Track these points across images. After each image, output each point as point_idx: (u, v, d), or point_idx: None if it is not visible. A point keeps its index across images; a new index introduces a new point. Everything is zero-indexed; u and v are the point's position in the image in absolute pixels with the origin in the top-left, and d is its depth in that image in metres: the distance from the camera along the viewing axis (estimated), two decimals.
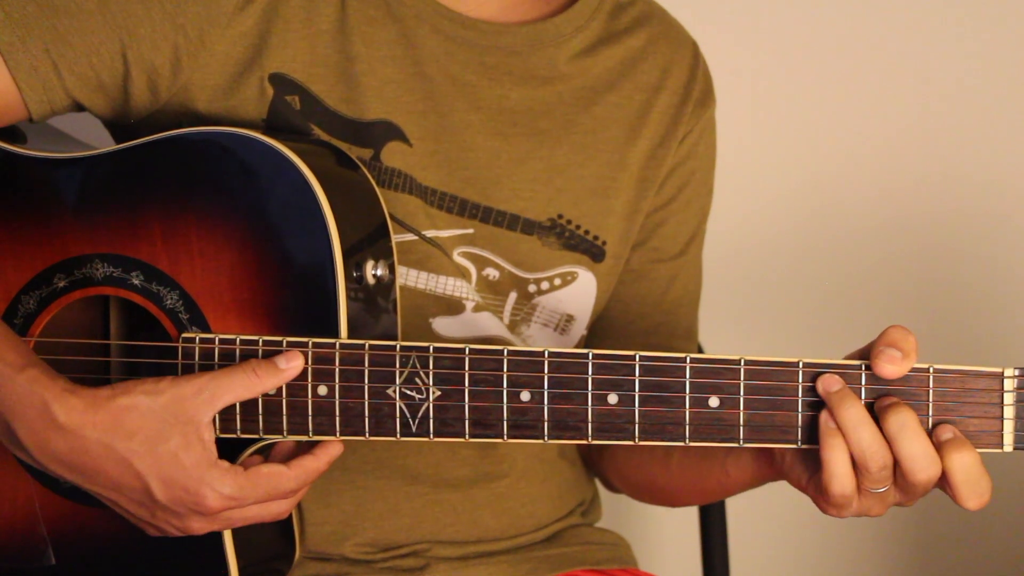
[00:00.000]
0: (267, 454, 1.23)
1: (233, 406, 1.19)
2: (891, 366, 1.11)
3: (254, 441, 1.22)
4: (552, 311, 1.40)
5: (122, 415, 1.15)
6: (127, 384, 1.16)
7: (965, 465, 1.10)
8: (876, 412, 1.12)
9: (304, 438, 1.21)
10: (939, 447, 1.11)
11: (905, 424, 1.10)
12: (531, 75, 1.38)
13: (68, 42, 1.26)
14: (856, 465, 1.12)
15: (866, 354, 1.14)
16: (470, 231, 1.36)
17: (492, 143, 1.36)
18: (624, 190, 1.41)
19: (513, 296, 1.39)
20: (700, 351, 1.56)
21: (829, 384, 1.13)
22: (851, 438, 1.11)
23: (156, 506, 1.17)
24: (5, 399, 1.16)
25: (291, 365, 1.18)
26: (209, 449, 1.16)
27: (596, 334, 1.48)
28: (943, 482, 1.12)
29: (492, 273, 1.38)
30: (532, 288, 1.39)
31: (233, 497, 1.17)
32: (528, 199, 1.37)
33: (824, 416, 1.12)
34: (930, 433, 1.12)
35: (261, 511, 1.20)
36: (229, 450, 1.21)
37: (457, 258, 1.36)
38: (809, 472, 1.17)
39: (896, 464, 1.12)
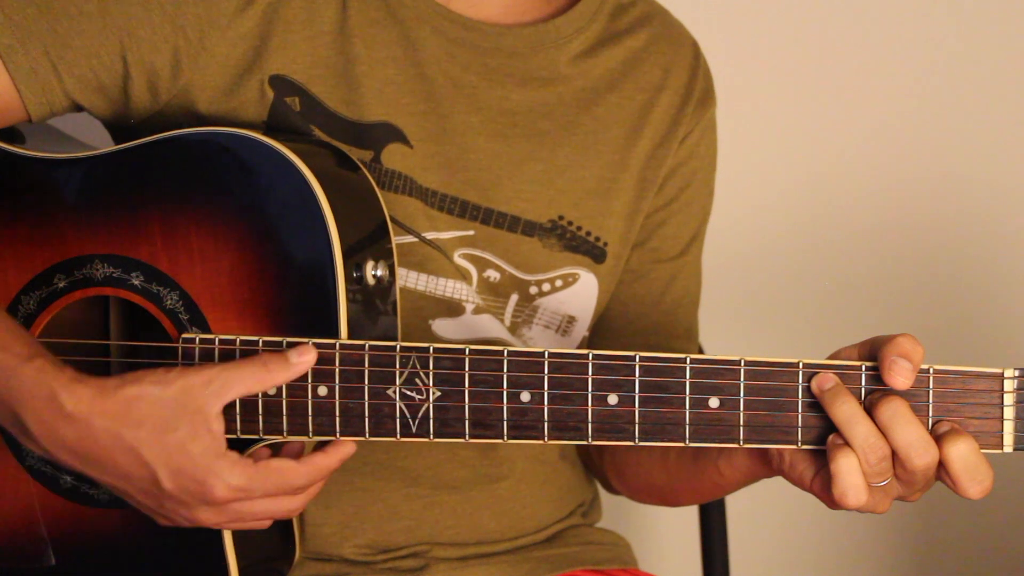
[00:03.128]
0: (278, 453, 1.22)
1: (233, 405, 1.19)
2: (903, 379, 1.10)
3: (250, 443, 1.22)
4: (553, 313, 1.40)
5: (130, 404, 1.14)
6: (136, 373, 1.16)
7: (962, 453, 1.10)
8: (867, 405, 1.12)
9: (304, 438, 1.21)
10: (938, 440, 1.11)
11: (897, 412, 1.10)
12: (532, 76, 1.38)
13: (68, 44, 1.26)
14: (859, 458, 1.12)
15: (865, 354, 1.14)
16: (471, 233, 1.36)
17: (493, 144, 1.36)
18: (625, 191, 1.41)
19: (514, 298, 1.39)
20: (700, 351, 1.56)
21: (823, 382, 1.13)
22: (847, 433, 1.11)
23: (164, 495, 1.17)
24: (13, 389, 1.16)
25: (303, 359, 1.17)
26: (218, 439, 1.15)
27: (595, 334, 1.48)
28: (943, 473, 1.12)
29: (493, 275, 1.37)
30: (533, 290, 1.39)
31: (241, 488, 1.16)
32: (529, 200, 1.37)
33: (831, 437, 1.12)
34: (931, 432, 1.12)
35: (270, 506, 1.19)
36: (236, 449, 1.20)
37: (458, 260, 1.36)
38: (813, 470, 1.17)
39: (894, 454, 1.11)
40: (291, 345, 1.19)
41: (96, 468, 1.17)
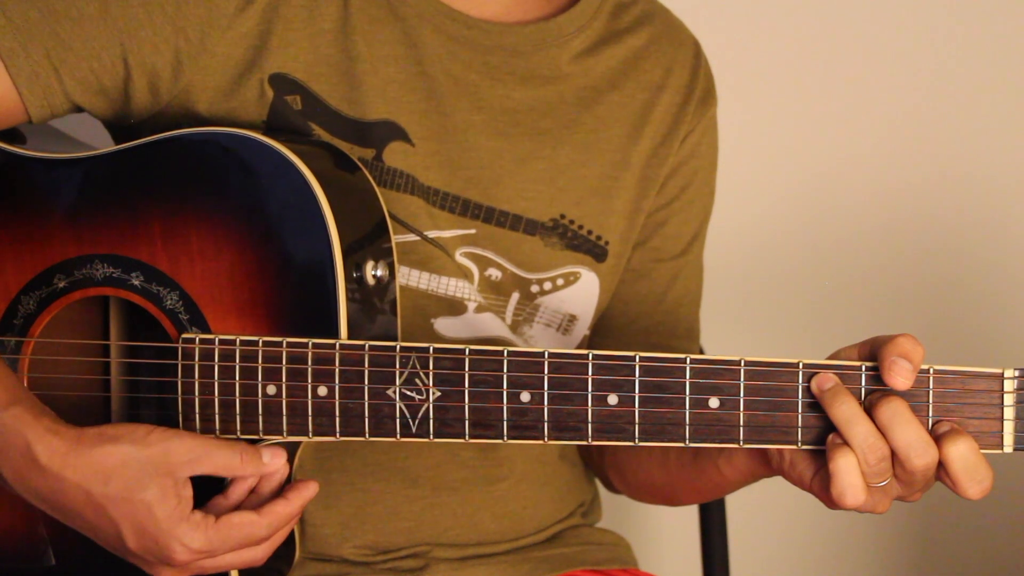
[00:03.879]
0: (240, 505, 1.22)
1: (233, 405, 1.19)
2: (903, 379, 1.10)
3: (256, 443, 1.22)
4: (555, 311, 1.40)
5: (104, 459, 1.16)
6: (116, 429, 1.18)
7: (962, 453, 1.10)
8: (867, 406, 1.12)
9: (304, 438, 1.21)
10: (937, 440, 1.11)
11: (896, 412, 1.10)
12: (533, 75, 1.38)
13: (69, 47, 1.26)
14: (859, 459, 1.12)
15: (865, 354, 1.14)
16: (472, 231, 1.36)
17: (494, 143, 1.36)
18: (626, 190, 1.41)
19: (515, 297, 1.39)
20: (701, 351, 1.56)
21: (822, 382, 1.13)
22: (847, 433, 1.11)
23: (128, 552, 1.18)
24: None
25: (273, 462, 1.20)
26: (184, 504, 1.17)
27: (597, 333, 1.48)
28: (942, 473, 1.12)
29: (494, 273, 1.37)
30: (535, 288, 1.39)
31: (202, 551, 1.17)
32: (531, 199, 1.37)
33: (831, 437, 1.12)
34: (930, 432, 1.12)
35: (235, 559, 1.20)
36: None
37: (459, 258, 1.36)
38: (812, 470, 1.17)
39: (893, 454, 1.11)
40: (291, 346, 1.19)
41: (66, 518, 1.19)
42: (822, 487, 1.15)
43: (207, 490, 1.21)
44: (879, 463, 1.11)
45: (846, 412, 1.11)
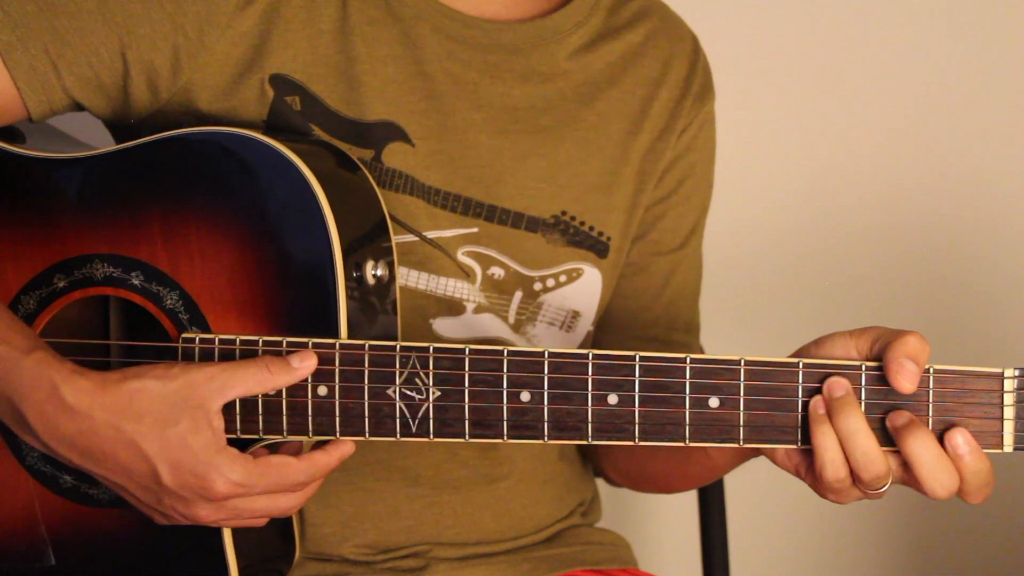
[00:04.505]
0: (276, 451, 1.22)
1: (233, 405, 1.19)
2: (909, 383, 1.10)
3: (250, 443, 1.22)
4: (558, 308, 1.41)
5: (132, 397, 1.14)
6: (138, 368, 1.16)
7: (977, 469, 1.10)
8: (890, 427, 1.12)
9: (304, 438, 1.21)
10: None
11: (925, 446, 1.10)
12: (532, 72, 1.38)
13: (67, 42, 1.26)
14: (853, 472, 1.12)
15: (864, 347, 1.13)
16: (474, 230, 1.36)
17: (495, 141, 1.36)
18: (626, 184, 1.42)
19: (519, 295, 1.39)
20: (700, 348, 1.56)
21: (833, 389, 1.12)
22: (847, 446, 1.11)
23: (163, 491, 1.16)
24: (14, 382, 1.16)
25: (304, 364, 1.18)
26: (218, 435, 1.15)
27: (597, 328, 1.48)
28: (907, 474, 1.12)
29: (497, 272, 1.38)
30: (538, 286, 1.39)
31: (241, 484, 1.16)
32: (532, 196, 1.38)
33: (814, 403, 1.12)
34: (940, 438, 1.11)
35: (269, 503, 1.19)
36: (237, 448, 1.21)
37: (462, 257, 1.36)
38: (807, 462, 1.17)
39: (851, 465, 1.12)
40: (291, 345, 1.19)
41: (96, 463, 1.17)
42: (814, 478, 1.15)
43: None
44: (873, 481, 1.11)
45: (850, 426, 1.11)
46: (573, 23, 1.39)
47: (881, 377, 1.12)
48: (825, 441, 1.11)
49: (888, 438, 1.12)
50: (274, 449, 1.22)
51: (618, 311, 1.47)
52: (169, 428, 1.14)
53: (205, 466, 1.15)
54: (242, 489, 1.16)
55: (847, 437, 1.11)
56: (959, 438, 1.10)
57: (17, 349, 1.16)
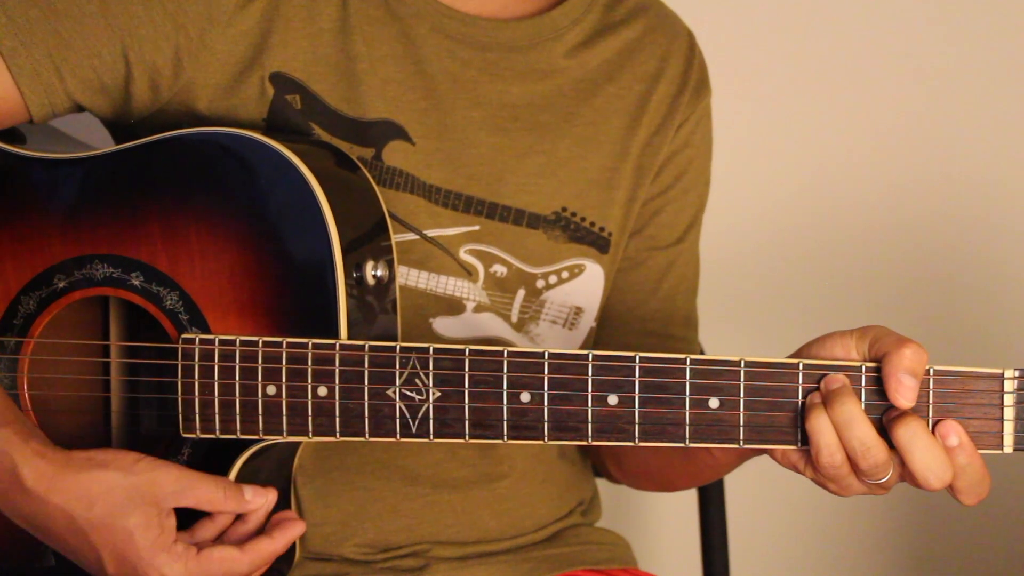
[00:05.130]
0: (221, 539, 1.23)
1: (233, 404, 1.19)
2: (907, 400, 1.09)
3: (250, 444, 1.22)
4: (561, 305, 1.41)
5: (89, 484, 1.16)
6: (105, 455, 1.18)
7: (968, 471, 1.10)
8: (884, 420, 1.11)
9: (304, 438, 1.21)
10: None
11: (915, 434, 1.10)
12: (531, 70, 1.38)
13: (70, 45, 1.26)
14: (851, 461, 1.12)
15: (865, 348, 1.13)
16: (476, 228, 1.37)
17: (494, 139, 1.37)
18: (625, 180, 1.42)
19: (521, 293, 1.39)
20: (699, 343, 1.56)
21: (830, 382, 1.12)
22: (843, 436, 1.11)
23: None
24: None
25: (255, 500, 1.21)
26: (167, 534, 1.17)
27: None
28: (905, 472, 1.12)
29: (499, 270, 1.38)
30: (540, 283, 1.39)
31: None
32: (532, 193, 1.38)
33: (810, 396, 1.12)
34: (934, 429, 1.11)
35: None
36: (225, 456, 1.22)
37: (464, 256, 1.36)
38: (807, 458, 1.16)
39: (849, 454, 1.11)
40: (291, 346, 1.19)
41: (49, 541, 1.20)
42: (815, 471, 1.15)
43: (192, 518, 1.21)
44: (872, 469, 1.11)
45: (845, 414, 1.10)
46: (570, 20, 1.40)
47: (881, 379, 1.11)
48: (819, 424, 1.11)
49: (884, 435, 1.12)
50: (223, 534, 1.23)
51: (615, 306, 1.47)
52: (119, 520, 1.16)
53: (147, 565, 1.16)
54: None
55: (843, 425, 1.10)
56: (950, 431, 1.10)
57: None
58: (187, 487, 1.18)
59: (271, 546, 1.21)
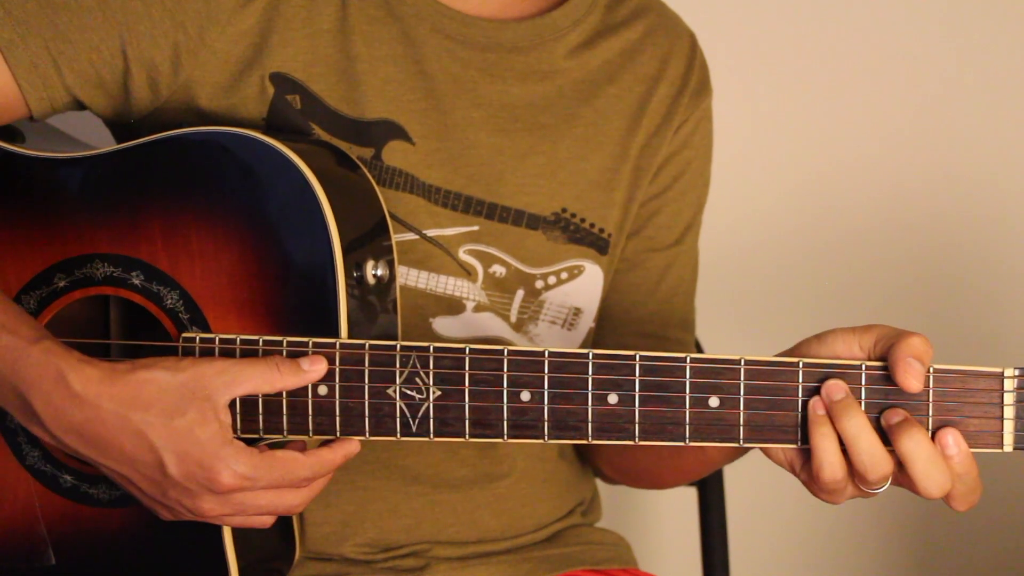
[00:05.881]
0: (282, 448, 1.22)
1: (233, 404, 1.19)
2: (916, 381, 1.10)
3: (250, 443, 1.22)
4: (560, 306, 1.41)
5: (140, 387, 1.14)
6: (148, 359, 1.16)
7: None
8: (884, 424, 1.11)
9: (304, 438, 1.21)
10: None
11: (919, 445, 1.10)
12: (531, 70, 1.38)
13: (68, 39, 1.26)
14: (855, 472, 1.12)
15: (868, 345, 1.13)
16: (475, 228, 1.37)
17: (494, 139, 1.37)
18: (624, 181, 1.42)
19: (520, 294, 1.39)
20: (699, 346, 1.56)
21: (832, 392, 1.12)
22: (852, 449, 1.11)
23: (168, 482, 1.16)
24: (21, 371, 1.15)
25: (313, 368, 1.18)
26: (225, 428, 1.15)
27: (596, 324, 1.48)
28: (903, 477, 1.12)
29: (499, 270, 1.38)
30: (539, 284, 1.39)
31: (247, 476, 1.15)
32: (532, 194, 1.38)
33: (812, 404, 1.12)
34: (934, 436, 1.11)
35: (274, 499, 1.18)
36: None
37: (463, 256, 1.36)
38: (802, 459, 1.17)
39: (856, 468, 1.11)
40: (292, 345, 1.19)
41: (102, 452, 1.16)
42: (809, 476, 1.15)
43: None
44: (881, 481, 1.11)
45: (854, 428, 1.10)
46: (571, 21, 1.40)
47: (882, 377, 1.12)
48: (824, 443, 1.11)
49: (883, 437, 1.12)
50: (279, 448, 1.22)
51: (613, 307, 1.48)
52: (176, 419, 1.14)
53: (211, 457, 1.14)
54: (247, 482, 1.16)
55: (852, 439, 1.11)
56: (949, 437, 1.11)
57: (24, 339, 1.16)
58: (236, 375, 1.16)
59: (330, 455, 1.19)
